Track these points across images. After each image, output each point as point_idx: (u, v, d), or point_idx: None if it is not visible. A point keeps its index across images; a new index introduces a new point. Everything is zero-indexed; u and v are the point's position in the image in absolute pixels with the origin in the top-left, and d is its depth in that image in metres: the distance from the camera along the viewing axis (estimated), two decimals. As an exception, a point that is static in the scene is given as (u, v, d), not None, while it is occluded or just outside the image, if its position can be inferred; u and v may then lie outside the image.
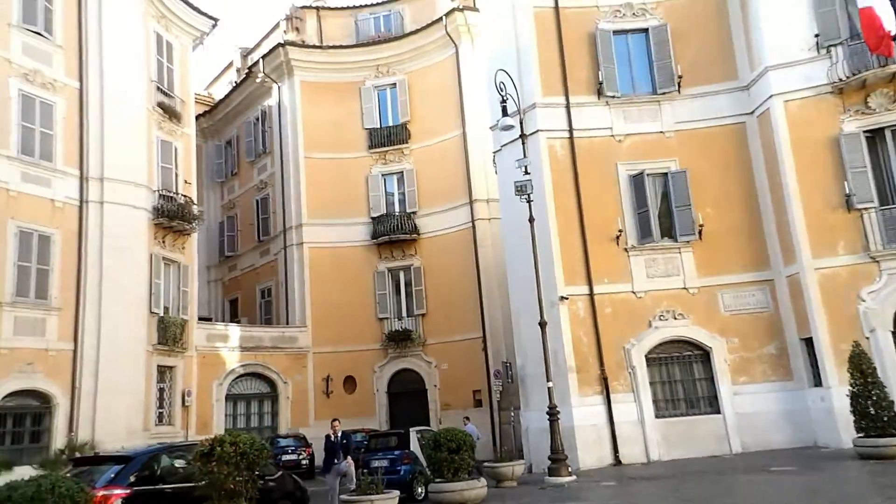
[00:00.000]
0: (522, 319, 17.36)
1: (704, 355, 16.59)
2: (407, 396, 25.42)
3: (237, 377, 24.01)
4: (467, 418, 21.45)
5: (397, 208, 27.04)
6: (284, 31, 29.10)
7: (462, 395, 24.46)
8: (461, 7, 25.98)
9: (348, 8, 30.02)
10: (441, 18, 26.35)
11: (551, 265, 16.61)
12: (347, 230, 26.89)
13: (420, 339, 25.53)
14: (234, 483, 8.03)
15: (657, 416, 16.11)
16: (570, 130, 17.66)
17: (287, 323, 26.30)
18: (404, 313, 26.21)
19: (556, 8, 18.27)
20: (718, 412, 16.09)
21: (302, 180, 27.20)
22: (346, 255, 26.63)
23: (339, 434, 12.77)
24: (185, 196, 22.38)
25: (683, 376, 16.67)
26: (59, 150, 19.03)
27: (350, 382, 25.72)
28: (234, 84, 31.95)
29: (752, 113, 17.26)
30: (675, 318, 16.68)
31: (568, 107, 17.77)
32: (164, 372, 21.06)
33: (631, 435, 15.86)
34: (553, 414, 13.73)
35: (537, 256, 14.81)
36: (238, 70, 33.63)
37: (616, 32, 18.31)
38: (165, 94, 22.46)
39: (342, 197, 27.01)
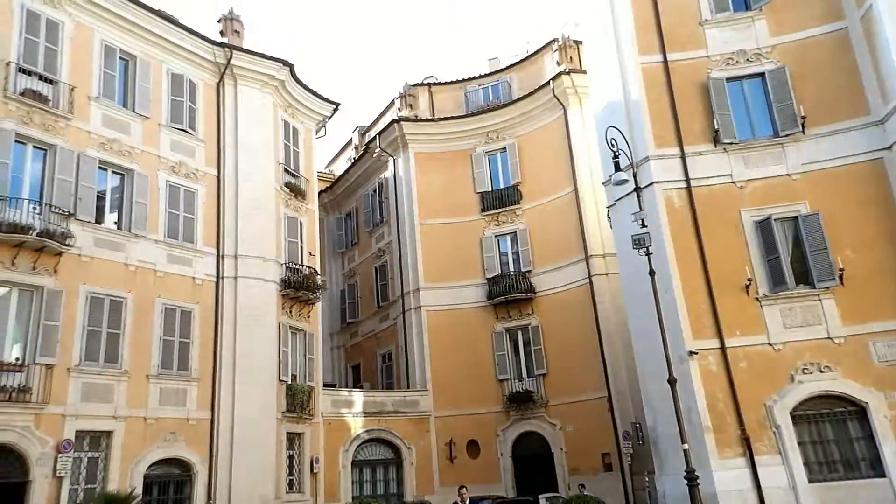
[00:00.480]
0: (649, 377, 16.52)
1: (860, 412, 14.96)
2: (532, 461, 24.61)
3: (362, 443, 24.21)
4: (582, 486, 20.39)
5: (512, 268, 26.95)
6: (399, 108, 30.49)
7: (590, 459, 23.36)
8: (567, 70, 26.19)
9: (458, 81, 31.07)
10: (548, 83, 26.66)
11: (676, 319, 15.82)
12: (463, 292, 27.04)
13: (542, 400, 24.82)
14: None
15: (811, 481, 14.57)
16: (687, 180, 17.10)
17: (408, 387, 26.47)
18: (524, 374, 25.70)
19: (665, 62, 18.07)
20: (883, 475, 14.32)
21: (418, 246, 27.82)
22: (464, 317, 26.69)
23: (467, 501, 12.47)
24: (309, 267, 23.42)
25: (837, 436, 15.05)
26: (199, 232, 20.58)
27: (473, 447, 25.27)
28: (353, 160, 33.61)
29: (891, 148, 15.94)
30: (821, 371, 15.25)
31: (683, 157, 17.27)
32: (293, 439, 21.55)
33: (782, 502, 14.42)
34: (692, 479, 12.73)
35: (661, 310, 14.09)
36: (356, 147, 35.41)
37: (729, 79, 17.77)
38: (291, 174, 23.94)
39: (457, 260, 27.32)
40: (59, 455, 15.86)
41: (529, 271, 26.46)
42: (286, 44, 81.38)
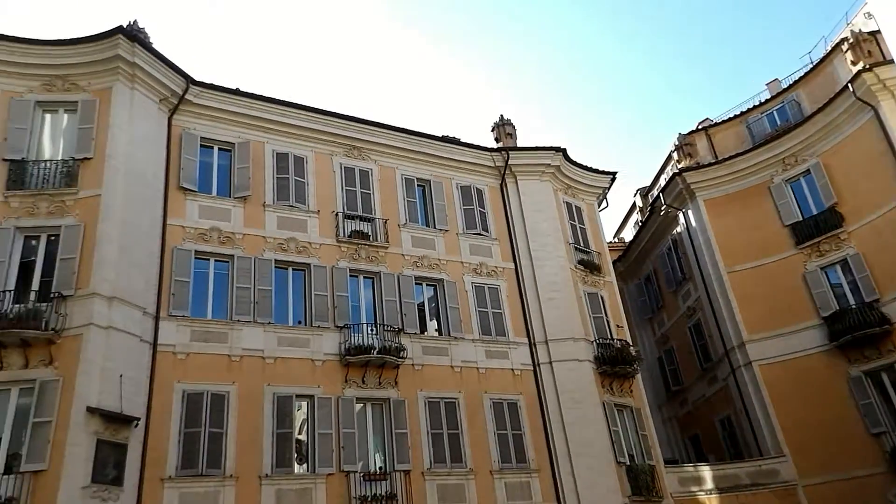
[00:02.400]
0: None
1: None
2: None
3: (728, 525, 21.38)
4: None
5: (852, 301, 22.57)
6: (677, 161, 28.80)
7: None
8: (868, 66, 22.26)
9: (736, 116, 28.37)
10: (846, 87, 22.86)
11: None
12: (797, 338, 23.24)
13: (941, 455, 19.66)
14: None
15: None
16: None
17: (760, 454, 23.06)
18: (906, 425, 20.76)
19: None
20: None
21: (731, 297, 24.98)
22: (805, 366, 22.78)
23: None
24: (620, 340, 22.33)
25: None
26: (508, 325, 21.04)
27: (862, 519, 20.71)
28: (640, 223, 32.28)
29: None
30: None
31: None
32: (647, 527, 19.94)
33: None
34: None
35: None
36: (641, 209, 34.12)
37: None
38: (583, 251, 23.63)
39: (779, 304, 23.80)
40: (430, 559, 16.57)
41: (876, 300, 21.91)
42: (554, 125, 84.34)
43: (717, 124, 28.93)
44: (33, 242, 15.57)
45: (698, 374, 27.41)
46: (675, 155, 29.00)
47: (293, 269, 18.83)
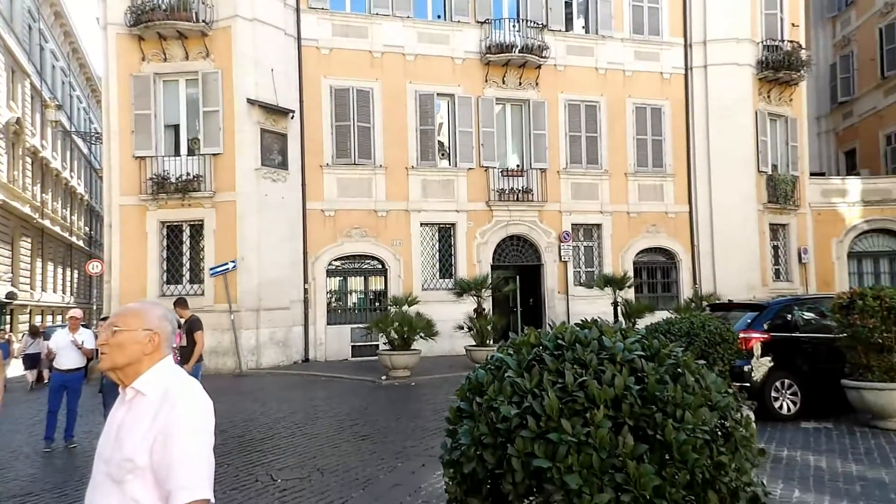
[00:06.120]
0: None
1: None
2: None
3: (860, 234, 20.18)
4: None
5: None
6: None
7: None
8: None
9: None
10: None
11: None
12: None
13: None
14: (881, 338, 6.93)
15: None
16: None
17: (926, 171, 20.64)
18: None
19: None
20: None
21: (945, -9, 20.11)
22: None
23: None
24: (791, 42, 19.06)
25: None
26: (664, 23, 18.38)
27: None
28: None
29: None
30: None
31: None
32: (776, 230, 19.13)
33: None
34: None
35: None
36: None
37: None
38: (764, -68, 19.29)
39: None
40: (561, 244, 17.16)
41: None
42: None
43: None
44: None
45: (875, 84, 23.46)
46: None
47: (430, -44, 16.96)
